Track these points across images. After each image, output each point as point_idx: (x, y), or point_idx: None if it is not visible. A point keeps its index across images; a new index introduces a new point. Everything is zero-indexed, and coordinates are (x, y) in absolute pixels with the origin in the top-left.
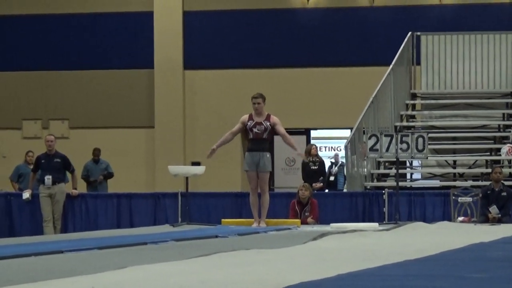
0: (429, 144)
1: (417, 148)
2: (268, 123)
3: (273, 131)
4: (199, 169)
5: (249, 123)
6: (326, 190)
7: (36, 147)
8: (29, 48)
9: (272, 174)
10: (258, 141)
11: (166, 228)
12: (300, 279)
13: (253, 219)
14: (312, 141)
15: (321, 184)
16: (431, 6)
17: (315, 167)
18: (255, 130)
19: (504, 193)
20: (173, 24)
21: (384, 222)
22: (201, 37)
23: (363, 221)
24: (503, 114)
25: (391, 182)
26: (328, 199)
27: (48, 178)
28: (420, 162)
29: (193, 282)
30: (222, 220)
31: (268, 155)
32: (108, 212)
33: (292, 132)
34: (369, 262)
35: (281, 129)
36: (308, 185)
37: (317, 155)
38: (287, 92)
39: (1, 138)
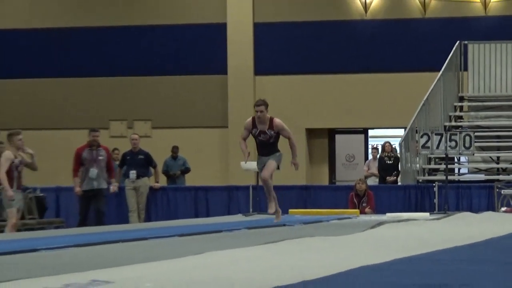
0: (475, 142)
1: (464, 146)
2: (272, 132)
3: (279, 135)
4: None
5: (253, 131)
6: (399, 183)
7: (122, 145)
8: (117, 56)
9: (333, 168)
10: (265, 146)
11: (238, 218)
12: (361, 263)
13: (319, 209)
14: (370, 140)
15: (394, 177)
16: (478, 17)
17: (390, 162)
18: (260, 138)
19: None
20: (244, 34)
21: (435, 212)
22: (269, 45)
23: (416, 211)
24: None
25: (441, 176)
26: (384, 191)
27: (133, 173)
28: (467, 158)
29: (265, 267)
30: (289, 210)
31: (277, 154)
32: (186, 203)
33: (351, 131)
34: (422, 248)
35: (285, 133)
36: (364, 179)
37: (392, 151)
38: (347, 95)
39: None
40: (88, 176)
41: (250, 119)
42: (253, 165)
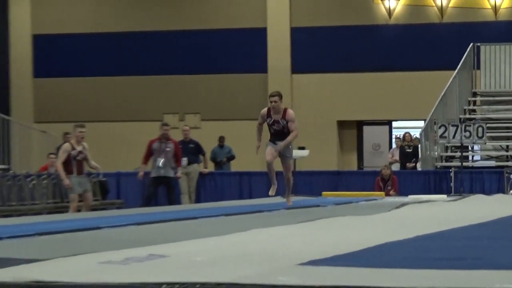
0: (487, 132)
1: (477, 136)
2: (284, 122)
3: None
4: (305, 153)
5: (268, 120)
6: (419, 169)
7: (175, 135)
8: (171, 57)
9: (361, 156)
10: (279, 134)
11: (278, 199)
12: (387, 240)
13: (349, 192)
14: (394, 130)
15: (413, 164)
16: (489, 22)
17: (409, 150)
18: (274, 127)
19: None
20: (282, 37)
21: (451, 194)
22: (305, 47)
23: (434, 193)
24: None
25: (456, 163)
26: (406, 176)
27: (184, 160)
28: (479, 146)
29: (302, 242)
30: (323, 192)
31: (290, 146)
32: (232, 186)
33: (377, 123)
34: (441, 226)
35: (292, 125)
36: (389, 165)
37: (411, 140)
38: (374, 91)
39: (146, 129)
40: (156, 164)
41: (265, 109)
42: (303, 153)
